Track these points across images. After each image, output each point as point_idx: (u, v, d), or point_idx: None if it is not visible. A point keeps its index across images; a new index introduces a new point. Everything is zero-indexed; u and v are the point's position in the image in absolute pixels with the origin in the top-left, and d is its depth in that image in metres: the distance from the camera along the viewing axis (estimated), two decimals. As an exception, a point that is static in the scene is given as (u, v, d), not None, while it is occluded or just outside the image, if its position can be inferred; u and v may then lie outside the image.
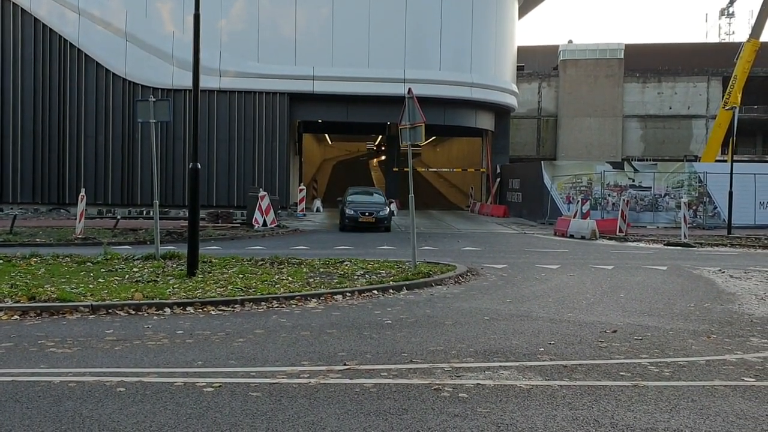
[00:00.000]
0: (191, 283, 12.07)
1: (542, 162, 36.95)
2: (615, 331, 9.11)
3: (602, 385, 6.66)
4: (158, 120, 15.83)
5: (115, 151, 33.69)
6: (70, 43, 33.42)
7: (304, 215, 34.04)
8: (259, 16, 34.20)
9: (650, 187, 32.37)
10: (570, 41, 57.83)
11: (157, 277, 12.84)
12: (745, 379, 6.99)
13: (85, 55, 33.45)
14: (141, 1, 33.63)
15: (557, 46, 56.71)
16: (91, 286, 11.65)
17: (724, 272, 15.73)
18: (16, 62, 33.43)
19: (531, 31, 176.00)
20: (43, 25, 33.39)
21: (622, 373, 7.08)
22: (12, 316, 9.71)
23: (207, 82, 31.14)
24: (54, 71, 33.54)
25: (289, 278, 12.93)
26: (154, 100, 15.94)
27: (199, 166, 13.57)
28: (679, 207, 28.20)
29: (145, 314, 10.00)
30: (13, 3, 33.36)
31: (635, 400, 6.21)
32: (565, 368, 7.24)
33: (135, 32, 33.37)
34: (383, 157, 56.58)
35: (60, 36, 33.42)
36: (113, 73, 33.50)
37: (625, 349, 8.17)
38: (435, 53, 35.94)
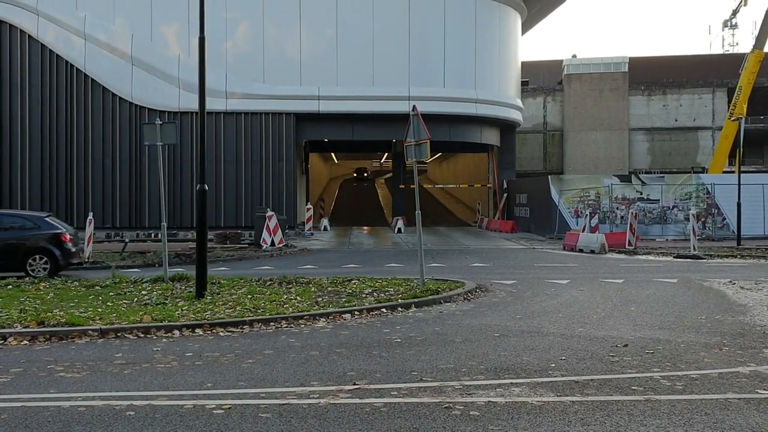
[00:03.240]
0: (200, 305, 12.06)
1: (549, 176, 36.92)
2: (626, 346, 9.05)
3: (614, 399, 6.61)
4: (165, 142, 15.92)
5: (123, 174, 33.84)
6: (77, 68, 33.69)
7: (312, 234, 34.06)
8: (264, 38, 34.43)
9: (658, 200, 32.30)
10: (574, 55, 57.92)
11: (166, 299, 12.84)
12: (760, 391, 6.91)
13: (92, 79, 33.70)
14: (146, 25, 33.91)
15: (561, 61, 56.82)
16: (99, 309, 11.66)
17: (734, 284, 15.63)
18: (23, 88, 33.70)
19: (535, 46, 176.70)
20: (50, 50, 33.69)
21: (634, 388, 7.02)
22: (21, 341, 9.72)
23: (213, 104, 31.27)
24: (61, 96, 33.79)
25: (298, 298, 12.92)
26: (160, 122, 16.03)
27: (207, 188, 13.60)
28: (687, 219, 28.11)
29: (154, 337, 10.00)
30: (20, 30, 33.68)
31: (648, 414, 6.15)
32: (576, 384, 7.19)
33: (141, 56, 33.62)
34: (388, 175, 56.66)
35: (66, 61, 33.70)
36: (119, 97, 33.73)
37: (637, 363, 8.11)
38: (439, 70, 36.08)
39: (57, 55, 33.71)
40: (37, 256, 17.50)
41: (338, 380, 7.37)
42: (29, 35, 33.68)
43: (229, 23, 33.89)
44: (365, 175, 74.32)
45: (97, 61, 33.65)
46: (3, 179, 33.56)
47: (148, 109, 33.33)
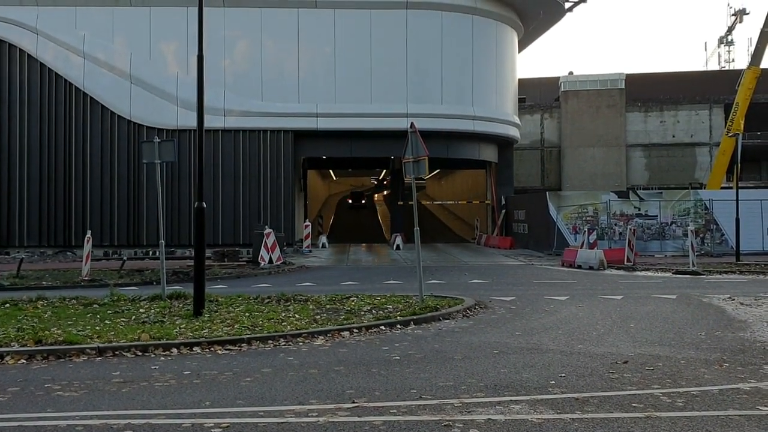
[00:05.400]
0: (198, 323, 12.01)
1: (547, 193, 36.92)
2: (626, 362, 9.02)
3: (615, 417, 6.58)
4: (163, 160, 15.91)
5: (121, 192, 33.85)
6: (75, 87, 33.79)
7: (310, 251, 34.02)
8: (263, 56, 34.56)
9: (656, 216, 32.30)
10: (571, 72, 58.16)
11: (164, 317, 12.79)
12: (760, 408, 6.88)
13: (90, 97, 33.80)
14: (145, 44, 34.05)
15: (558, 78, 57.05)
16: (97, 328, 11.61)
17: (734, 299, 15.61)
18: (22, 106, 33.79)
19: (531, 63, 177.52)
20: (49, 69, 33.81)
21: (634, 405, 6.99)
22: (19, 359, 9.67)
23: (211, 121, 31.35)
24: (59, 114, 33.87)
25: (296, 315, 12.88)
26: (159, 140, 16.03)
27: (205, 206, 13.59)
28: (686, 235, 28.10)
29: (152, 355, 9.95)
30: (20, 49, 33.81)
31: (649, 431, 6.11)
32: (576, 401, 7.16)
33: (139, 74, 33.74)
34: (387, 191, 56.62)
35: (65, 80, 33.81)
36: (118, 115, 33.80)
37: (637, 379, 8.08)
38: (437, 87, 36.20)
39: (56, 73, 33.83)
40: None
41: (337, 398, 7.33)
42: (28, 54, 33.82)
43: (227, 41, 34.04)
44: (362, 201, 66.18)
45: (96, 80, 33.77)
46: (2, 197, 33.58)
47: (147, 126, 33.42)
